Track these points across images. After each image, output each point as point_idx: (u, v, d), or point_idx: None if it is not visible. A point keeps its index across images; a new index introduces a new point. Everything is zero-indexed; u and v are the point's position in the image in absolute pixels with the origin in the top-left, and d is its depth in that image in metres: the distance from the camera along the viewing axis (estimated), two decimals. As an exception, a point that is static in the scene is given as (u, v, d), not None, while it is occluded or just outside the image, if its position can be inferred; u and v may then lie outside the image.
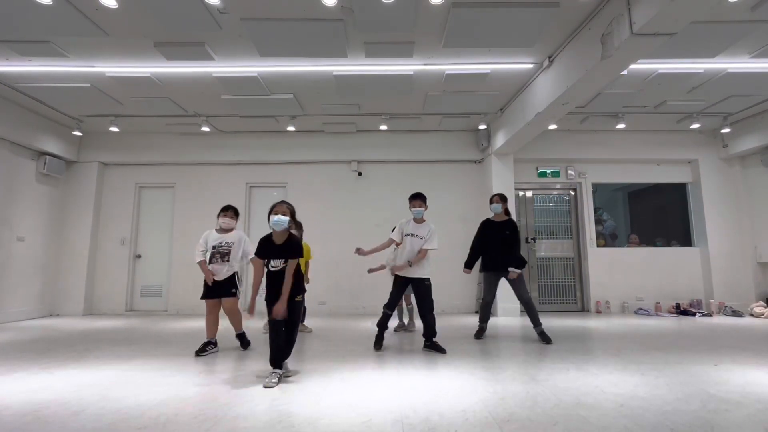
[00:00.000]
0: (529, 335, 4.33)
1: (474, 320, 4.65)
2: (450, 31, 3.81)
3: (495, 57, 4.40)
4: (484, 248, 4.35)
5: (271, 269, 2.88)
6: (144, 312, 6.52)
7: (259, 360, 3.38)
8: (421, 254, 3.72)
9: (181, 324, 5.36)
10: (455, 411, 2.22)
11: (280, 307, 2.76)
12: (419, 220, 3.87)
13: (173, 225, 6.72)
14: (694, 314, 5.97)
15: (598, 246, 6.65)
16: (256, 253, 2.93)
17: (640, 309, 6.26)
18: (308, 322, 5.07)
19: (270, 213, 2.85)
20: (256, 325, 4.97)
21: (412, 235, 3.79)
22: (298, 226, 2.96)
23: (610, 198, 7.92)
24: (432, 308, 3.73)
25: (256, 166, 6.83)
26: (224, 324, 3.79)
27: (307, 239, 4.73)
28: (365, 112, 5.93)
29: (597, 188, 6.98)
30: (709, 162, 6.65)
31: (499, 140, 5.99)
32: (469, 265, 4.39)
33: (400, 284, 3.80)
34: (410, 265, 3.70)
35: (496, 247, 4.25)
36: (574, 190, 6.88)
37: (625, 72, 4.35)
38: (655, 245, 6.88)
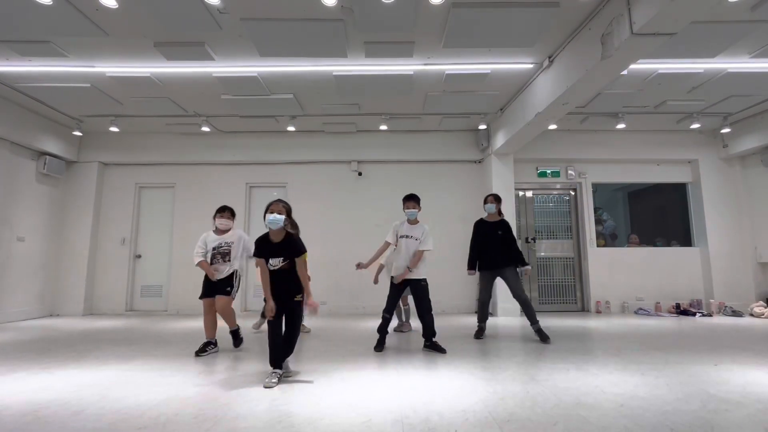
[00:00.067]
0: (529, 335, 4.33)
1: (474, 320, 4.66)
2: (450, 31, 3.81)
3: (495, 57, 4.40)
4: (480, 248, 4.38)
5: (271, 268, 2.88)
6: (144, 312, 6.52)
7: (259, 360, 3.38)
8: (418, 257, 3.73)
9: (181, 324, 5.36)
10: (455, 411, 2.22)
11: (314, 304, 2.88)
12: (413, 222, 3.88)
13: (173, 225, 6.72)
14: (694, 314, 5.97)
15: (598, 246, 6.65)
16: (254, 254, 2.93)
17: (640, 309, 6.26)
18: (308, 322, 5.07)
19: (266, 212, 2.84)
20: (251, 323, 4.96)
21: (407, 236, 3.80)
22: (293, 225, 2.95)
23: (610, 198, 7.93)
24: (430, 308, 3.73)
25: (256, 166, 6.83)
26: (223, 324, 3.79)
27: (304, 239, 4.73)
28: (365, 112, 5.93)
29: (597, 188, 6.98)
30: (709, 162, 6.65)
31: (499, 140, 5.98)
32: (471, 266, 4.41)
33: (397, 287, 3.80)
34: (411, 271, 3.71)
35: (491, 247, 4.31)
36: (574, 190, 6.88)
37: (625, 72, 4.35)
38: (655, 245, 6.88)
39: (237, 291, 3.77)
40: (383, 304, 3.79)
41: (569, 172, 6.75)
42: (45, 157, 6.09)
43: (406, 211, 3.86)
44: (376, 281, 4.50)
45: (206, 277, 3.72)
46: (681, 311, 6.12)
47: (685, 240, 6.86)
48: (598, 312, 6.32)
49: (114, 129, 6.13)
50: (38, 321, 5.74)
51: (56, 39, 3.97)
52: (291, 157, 6.74)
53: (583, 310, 6.56)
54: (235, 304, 4.05)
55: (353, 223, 6.61)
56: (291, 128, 6.34)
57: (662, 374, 2.92)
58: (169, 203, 6.84)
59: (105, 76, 4.70)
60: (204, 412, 2.23)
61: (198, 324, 5.18)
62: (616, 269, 6.52)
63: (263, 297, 2.90)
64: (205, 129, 6.25)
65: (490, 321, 5.11)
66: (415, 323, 4.52)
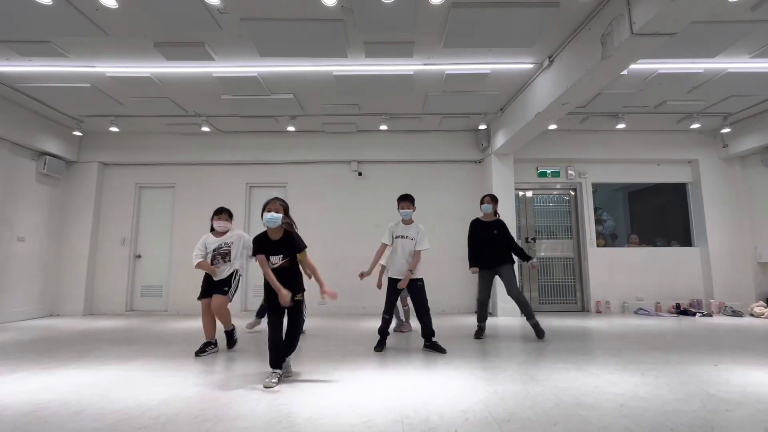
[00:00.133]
0: (529, 335, 4.33)
1: (474, 320, 4.66)
2: (450, 31, 3.81)
3: (495, 57, 4.40)
4: (477, 248, 4.39)
5: (271, 266, 2.88)
6: (144, 312, 6.52)
7: (259, 360, 3.38)
8: (417, 258, 3.73)
9: (181, 324, 5.36)
10: (455, 411, 2.22)
11: (332, 292, 2.96)
12: (408, 222, 3.88)
13: (173, 225, 6.72)
14: (694, 314, 5.97)
15: (598, 246, 6.65)
16: (253, 251, 2.92)
17: (640, 309, 6.26)
18: (307, 322, 5.06)
19: (263, 210, 2.84)
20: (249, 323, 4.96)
21: (402, 236, 3.80)
22: (290, 223, 2.94)
23: (610, 198, 7.93)
24: (427, 308, 3.74)
25: (256, 166, 6.83)
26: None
27: (304, 239, 4.72)
28: (365, 112, 5.93)
29: (597, 188, 6.98)
30: (709, 162, 6.65)
31: (499, 140, 5.98)
32: (474, 263, 4.39)
33: (395, 287, 3.79)
34: (411, 273, 3.70)
35: (487, 246, 4.32)
36: (574, 190, 6.88)
37: (625, 72, 4.35)
38: (655, 245, 6.88)
39: (235, 291, 3.76)
40: (383, 305, 3.80)
41: (569, 172, 6.75)
42: (45, 157, 6.09)
43: (401, 211, 3.87)
44: (379, 286, 4.18)
45: (205, 277, 3.71)
46: (681, 311, 6.12)
47: (685, 240, 6.86)
48: (598, 312, 6.32)
49: (114, 129, 6.13)
50: (38, 321, 5.74)
51: (56, 39, 3.96)
52: (291, 157, 6.74)
53: (583, 310, 6.56)
54: (235, 304, 4.06)
55: (353, 223, 6.61)
56: (291, 128, 6.34)
57: (662, 374, 2.92)
58: (169, 203, 6.84)
59: (105, 76, 4.70)
60: (204, 412, 2.23)
61: (198, 324, 5.18)
62: (616, 269, 6.52)
63: (263, 299, 2.89)
64: (205, 129, 6.25)
65: (490, 321, 5.12)
66: (415, 323, 4.51)
